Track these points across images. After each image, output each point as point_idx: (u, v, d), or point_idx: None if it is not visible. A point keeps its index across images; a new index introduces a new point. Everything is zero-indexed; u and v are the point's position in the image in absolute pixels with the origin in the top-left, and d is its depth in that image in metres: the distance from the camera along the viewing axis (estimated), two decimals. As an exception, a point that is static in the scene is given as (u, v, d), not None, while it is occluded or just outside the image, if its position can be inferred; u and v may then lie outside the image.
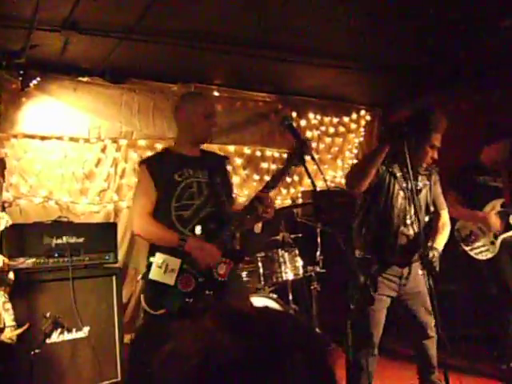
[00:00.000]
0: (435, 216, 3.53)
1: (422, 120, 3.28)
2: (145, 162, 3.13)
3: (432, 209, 3.47)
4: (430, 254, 3.15)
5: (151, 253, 2.90)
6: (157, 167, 3.04)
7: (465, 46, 5.08)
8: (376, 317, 3.28)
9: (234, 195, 3.37)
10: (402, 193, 3.32)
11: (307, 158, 2.59)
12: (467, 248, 4.27)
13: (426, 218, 3.40)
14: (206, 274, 2.84)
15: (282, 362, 0.69)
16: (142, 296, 2.89)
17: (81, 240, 4.09)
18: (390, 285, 3.32)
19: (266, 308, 0.78)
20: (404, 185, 3.31)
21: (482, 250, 4.30)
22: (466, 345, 4.25)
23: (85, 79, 5.53)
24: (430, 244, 3.31)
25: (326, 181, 3.26)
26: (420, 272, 3.35)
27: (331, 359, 0.77)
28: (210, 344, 0.70)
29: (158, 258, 2.81)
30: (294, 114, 6.70)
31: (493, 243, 4.29)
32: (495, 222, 4.26)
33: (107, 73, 5.58)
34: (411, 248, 3.30)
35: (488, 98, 5.60)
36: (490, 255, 4.28)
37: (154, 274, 2.80)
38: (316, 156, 6.77)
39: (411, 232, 3.32)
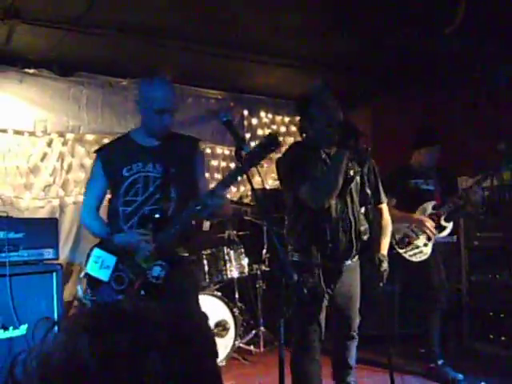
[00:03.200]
0: (376, 212, 3.36)
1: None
2: (99, 152, 3.07)
3: (371, 200, 3.20)
4: (382, 267, 3.08)
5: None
6: (109, 159, 2.99)
7: (410, 50, 5.19)
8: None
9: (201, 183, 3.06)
10: None
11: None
12: (402, 251, 4.32)
13: (362, 210, 3.21)
14: (139, 275, 2.74)
15: (140, 362, 0.67)
16: (78, 286, 2.93)
17: (20, 235, 3.97)
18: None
19: (142, 306, 0.75)
20: None
21: (415, 252, 4.37)
22: (403, 344, 4.32)
23: (31, 71, 5.39)
24: (377, 249, 3.23)
25: (263, 181, 3.24)
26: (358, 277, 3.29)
27: (211, 362, 0.75)
28: (69, 346, 0.68)
29: (96, 253, 2.85)
30: (246, 113, 6.72)
31: (426, 245, 4.39)
32: (431, 225, 4.33)
33: (54, 65, 5.46)
34: (347, 242, 3.13)
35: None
36: (424, 257, 4.38)
37: (90, 268, 2.83)
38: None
39: (347, 224, 3.14)
